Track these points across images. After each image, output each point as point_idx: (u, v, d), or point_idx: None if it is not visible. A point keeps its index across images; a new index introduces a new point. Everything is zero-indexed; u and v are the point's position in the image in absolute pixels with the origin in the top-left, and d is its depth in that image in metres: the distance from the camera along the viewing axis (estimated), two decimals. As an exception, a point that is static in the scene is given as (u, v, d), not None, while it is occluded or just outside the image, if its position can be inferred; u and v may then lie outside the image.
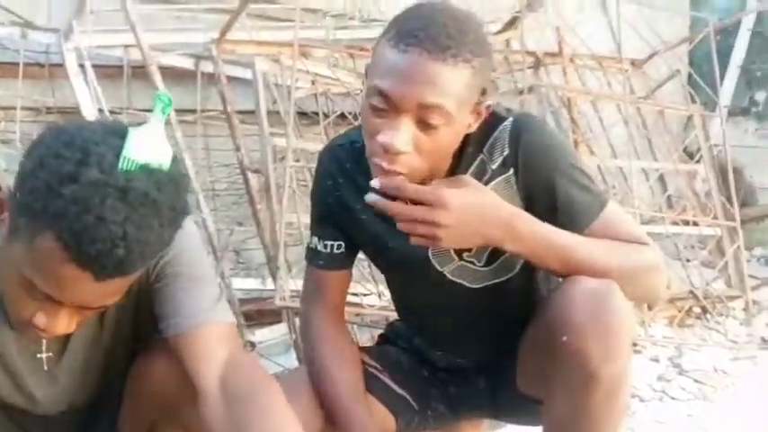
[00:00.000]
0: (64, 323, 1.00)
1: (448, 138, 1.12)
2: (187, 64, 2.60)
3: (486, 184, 1.20)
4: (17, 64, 2.42)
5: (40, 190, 0.92)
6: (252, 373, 1.05)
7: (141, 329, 1.19)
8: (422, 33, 1.06)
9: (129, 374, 1.18)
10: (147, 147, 0.95)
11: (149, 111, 2.60)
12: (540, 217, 1.16)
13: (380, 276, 2.38)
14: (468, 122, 1.14)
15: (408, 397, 1.40)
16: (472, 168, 1.22)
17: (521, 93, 2.75)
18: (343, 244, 1.35)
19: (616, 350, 1.09)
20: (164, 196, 0.95)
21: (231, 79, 2.56)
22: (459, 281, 1.28)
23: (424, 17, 1.10)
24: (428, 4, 1.16)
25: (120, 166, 0.92)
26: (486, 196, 1.13)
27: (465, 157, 1.22)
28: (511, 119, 1.20)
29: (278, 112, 2.47)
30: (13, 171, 1.04)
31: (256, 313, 2.44)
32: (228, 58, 2.46)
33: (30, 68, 2.50)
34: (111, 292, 0.99)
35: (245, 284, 2.61)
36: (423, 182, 1.19)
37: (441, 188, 1.09)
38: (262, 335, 2.31)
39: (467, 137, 1.19)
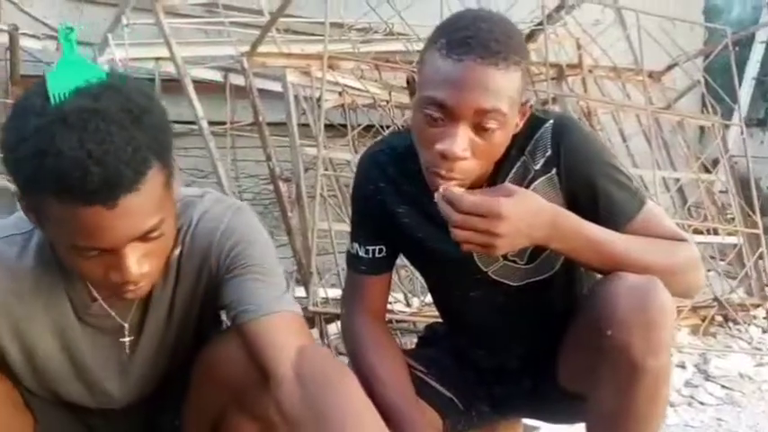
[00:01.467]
0: (134, 266, 1.01)
1: (501, 140, 1.15)
2: (217, 77, 2.65)
3: (530, 184, 1.23)
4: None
5: (14, 170, 0.97)
6: (325, 360, 1.06)
7: (204, 322, 1.22)
8: (473, 41, 1.10)
9: (194, 365, 1.19)
10: (66, 74, 0.97)
11: (180, 122, 2.65)
12: (581, 215, 1.19)
13: (407, 283, 2.45)
14: (515, 123, 1.18)
15: (454, 398, 1.42)
16: (515, 169, 1.25)
17: (544, 103, 2.79)
18: (384, 248, 1.37)
19: (659, 344, 1.12)
20: (106, 103, 0.95)
21: (260, 92, 2.61)
22: (502, 280, 1.31)
23: (470, 25, 1.13)
24: (469, 12, 1.20)
25: (51, 103, 0.95)
26: (533, 201, 1.15)
27: (508, 159, 1.25)
28: (551, 120, 1.24)
29: (305, 125, 2.52)
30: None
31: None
32: (258, 70, 2.51)
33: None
34: (140, 213, 0.98)
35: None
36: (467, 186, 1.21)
37: (495, 199, 1.11)
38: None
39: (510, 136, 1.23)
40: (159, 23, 2.30)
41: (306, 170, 2.38)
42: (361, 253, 1.37)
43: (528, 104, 1.19)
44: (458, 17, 1.18)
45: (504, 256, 1.28)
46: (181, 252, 1.16)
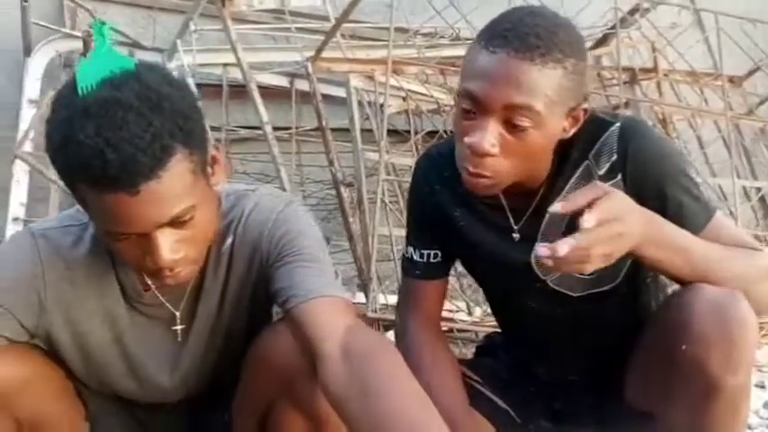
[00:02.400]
0: (166, 250, 1.02)
1: (538, 141, 1.10)
2: (282, 82, 2.67)
3: None
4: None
5: (52, 161, 1.01)
6: (371, 337, 1.04)
7: (256, 316, 1.21)
8: (510, 34, 1.06)
9: (246, 358, 1.19)
10: (95, 67, 0.99)
11: (246, 128, 2.68)
12: None
13: (470, 292, 2.41)
14: (562, 127, 1.13)
15: (511, 411, 1.38)
16: (577, 174, 1.20)
17: (615, 108, 2.70)
18: (439, 253, 1.34)
19: (738, 360, 1.05)
20: (125, 92, 0.97)
21: (324, 97, 2.62)
22: (560, 289, 1.26)
23: (514, 19, 1.10)
24: (521, 8, 1.17)
25: (79, 95, 0.97)
26: (626, 199, 1.06)
27: (569, 163, 1.20)
28: (618, 124, 1.18)
29: (369, 130, 2.51)
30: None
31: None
32: (323, 76, 2.51)
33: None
34: (165, 199, 0.99)
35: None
36: (515, 186, 1.17)
37: (608, 200, 1.02)
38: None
39: (570, 142, 1.18)
40: (226, 29, 2.33)
41: (368, 175, 2.36)
42: (416, 257, 1.34)
43: (581, 108, 1.13)
44: (509, 12, 1.14)
45: None
46: (232, 242, 1.18)
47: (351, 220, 2.31)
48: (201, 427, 1.31)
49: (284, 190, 2.34)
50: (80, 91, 0.97)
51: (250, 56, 2.54)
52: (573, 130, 1.15)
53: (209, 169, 1.08)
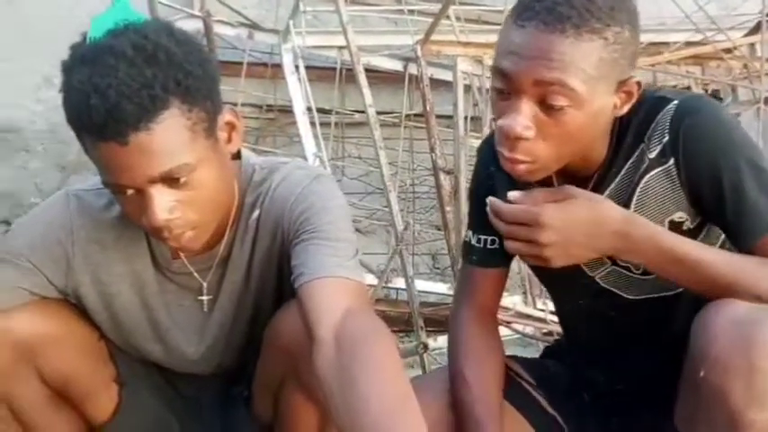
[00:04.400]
0: (160, 209, 1.01)
1: (578, 121, 0.98)
2: (395, 66, 2.63)
3: (642, 176, 1.06)
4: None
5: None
6: (366, 322, 1.00)
7: (284, 291, 1.19)
8: (539, 5, 0.96)
9: (264, 335, 1.19)
10: (104, 19, 1.00)
11: (360, 112, 2.66)
12: (707, 218, 1.01)
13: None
14: (611, 103, 1.00)
15: (559, 418, 1.27)
16: (632, 159, 1.08)
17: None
18: (497, 239, 1.25)
19: (764, 392, 0.90)
20: (120, 41, 0.96)
21: (438, 83, 2.56)
22: (613, 289, 1.14)
23: None
24: None
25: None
26: (592, 208, 1.01)
27: (624, 147, 1.08)
28: (676, 101, 1.03)
29: (480, 118, 2.41)
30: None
31: (446, 319, 2.40)
32: (433, 60, 2.45)
33: (255, 68, 2.70)
34: (156, 153, 0.98)
35: (435, 288, 2.58)
36: (569, 171, 1.07)
37: (539, 206, 1.02)
38: (444, 341, 2.26)
39: (627, 124, 1.06)
40: (338, 11, 2.32)
41: (472, 164, 2.27)
42: (474, 242, 1.27)
43: (633, 81, 1.00)
44: None
45: (614, 262, 1.11)
46: (259, 215, 1.16)
47: (447, 209, 2.23)
48: (229, 401, 1.30)
49: (382, 174, 2.31)
50: (88, 41, 0.99)
51: (363, 39, 2.53)
52: (627, 107, 1.02)
53: (220, 133, 1.06)
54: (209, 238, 1.12)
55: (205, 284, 1.19)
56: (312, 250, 1.07)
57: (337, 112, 2.66)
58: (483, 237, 1.25)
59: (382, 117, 2.71)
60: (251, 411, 1.26)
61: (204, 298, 1.19)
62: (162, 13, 2.56)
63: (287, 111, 2.60)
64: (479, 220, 1.27)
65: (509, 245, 1.05)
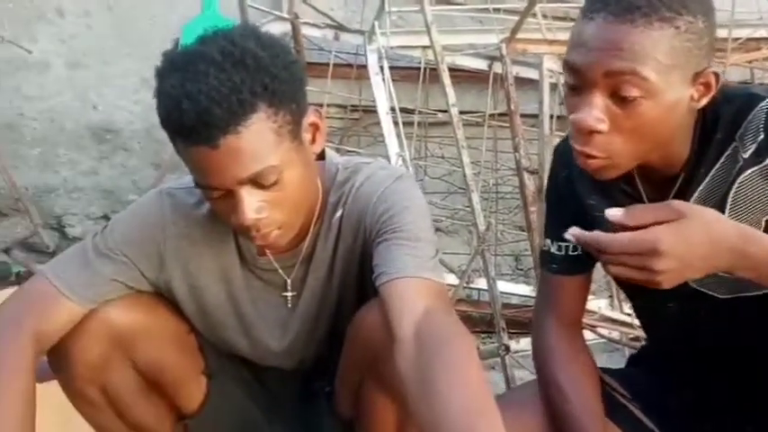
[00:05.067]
0: (248, 209, 1.04)
1: (653, 113, 0.96)
2: (480, 65, 2.62)
3: (737, 177, 1.02)
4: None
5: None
6: (446, 323, 1.00)
7: (367, 290, 1.21)
8: None
9: (347, 332, 1.20)
10: (195, 25, 1.01)
11: (443, 111, 2.66)
12: None
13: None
14: (688, 95, 0.97)
15: (657, 430, 1.23)
16: (723, 158, 1.04)
17: None
18: (579, 246, 1.23)
19: None
20: (210, 47, 1.00)
21: (524, 81, 2.53)
22: (705, 290, 1.10)
23: None
24: None
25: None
26: (708, 227, 0.92)
27: (712, 145, 1.04)
28: None
29: (566, 117, 2.37)
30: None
31: (529, 321, 2.37)
32: (519, 58, 2.42)
33: (341, 69, 2.74)
34: (244, 155, 1.01)
35: (518, 289, 2.55)
36: (652, 171, 1.04)
37: (654, 234, 0.91)
38: (527, 343, 2.24)
39: (713, 120, 1.03)
40: (423, 11, 2.33)
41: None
42: (554, 250, 1.24)
43: (710, 72, 0.97)
44: None
45: None
46: (342, 214, 1.18)
47: (531, 209, 2.21)
48: (312, 396, 1.33)
49: (465, 175, 2.30)
50: (179, 48, 1.03)
51: (448, 38, 2.52)
52: (705, 100, 0.99)
53: (304, 135, 1.08)
54: (295, 234, 1.15)
55: (289, 281, 1.22)
56: (393, 250, 1.08)
57: (420, 112, 2.67)
58: (563, 244, 1.22)
59: (466, 116, 2.70)
60: (333, 407, 1.28)
61: (288, 294, 1.23)
62: (251, 15, 2.64)
63: (371, 111, 2.62)
64: (558, 226, 1.23)
65: (615, 271, 0.94)
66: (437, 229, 2.89)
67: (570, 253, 1.23)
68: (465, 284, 2.49)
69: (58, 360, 1.18)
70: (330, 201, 1.19)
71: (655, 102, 0.95)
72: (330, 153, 1.24)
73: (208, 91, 0.98)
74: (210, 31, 1.03)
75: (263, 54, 1.02)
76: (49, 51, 2.84)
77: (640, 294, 1.25)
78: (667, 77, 0.94)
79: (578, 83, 0.98)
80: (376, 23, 2.45)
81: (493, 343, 2.24)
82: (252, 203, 1.04)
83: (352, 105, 2.79)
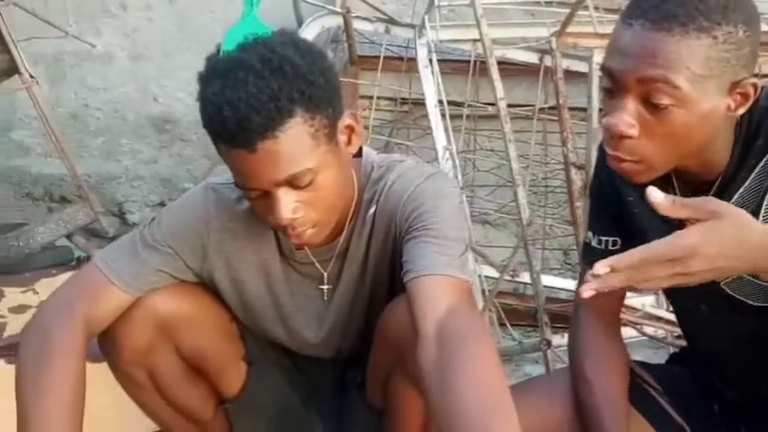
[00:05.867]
0: (285, 209, 1.09)
1: (685, 121, 0.96)
2: (531, 58, 2.60)
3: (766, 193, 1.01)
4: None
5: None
6: (467, 322, 1.02)
7: (397, 284, 1.24)
8: (646, 3, 0.94)
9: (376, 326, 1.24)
10: (236, 32, 1.04)
11: (492, 104, 2.66)
12: None
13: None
14: (724, 105, 0.97)
15: (687, 428, 1.24)
16: (761, 165, 1.03)
17: None
18: (618, 240, 1.23)
19: None
20: (250, 55, 1.04)
21: (575, 75, 2.51)
22: (738, 296, 1.09)
23: None
24: None
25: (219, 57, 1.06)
26: (740, 227, 0.91)
27: (752, 152, 1.03)
28: None
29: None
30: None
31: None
32: (569, 51, 2.40)
33: (393, 61, 2.76)
34: (281, 159, 1.05)
35: (565, 284, 2.55)
36: (689, 175, 1.04)
37: (689, 237, 0.89)
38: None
39: (755, 127, 1.02)
40: (473, 4, 2.33)
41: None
42: (594, 243, 1.26)
43: (749, 83, 0.96)
44: None
45: None
46: (375, 211, 1.22)
47: (577, 204, 2.20)
48: (345, 386, 1.38)
49: (511, 169, 2.31)
50: (221, 54, 1.07)
51: (498, 31, 2.52)
52: (742, 109, 0.99)
53: (340, 137, 1.12)
54: (330, 231, 1.20)
55: (326, 274, 1.26)
56: (421, 247, 1.11)
57: (469, 105, 2.68)
58: (604, 238, 1.23)
59: (516, 110, 2.70)
60: (364, 397, 1.33)
61: (324, 287, 1.27)
62: (304, 9, 2.69)
63: (421, 103, 2.64)
64: (600, 220, 1.25)
65: (647, 286, 0.93)
66: (485, 222, 2.90)
67: (610, 248, 1.24)
68: (510, 278, 2.50)
69: (106, 344, 1.25)
70: (365, 197, 1.23)
71: (687, 110, 0.95)
72: (367, 151, 1.28)
73: (247, 98, 1.02)
74: (251, 39, 1.08)
75: (301, 61, 1.05)
76: (112, 44, 2.96)
77: (675, 296, 1.25)
78: (701, 87, 0.94)
79: (613, 87, 0.99)
80: (426, 17, 2.46)
81: (537, 337, 2.24)
82: (288, 204, 1.08)
83: (402, 98, 2.81)
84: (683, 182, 1.09)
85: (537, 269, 2.24)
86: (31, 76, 2.17)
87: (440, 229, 1.13)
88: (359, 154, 1.27)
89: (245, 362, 1.37)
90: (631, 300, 2.15)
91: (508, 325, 2.32)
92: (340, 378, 1.38)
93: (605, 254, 1.22)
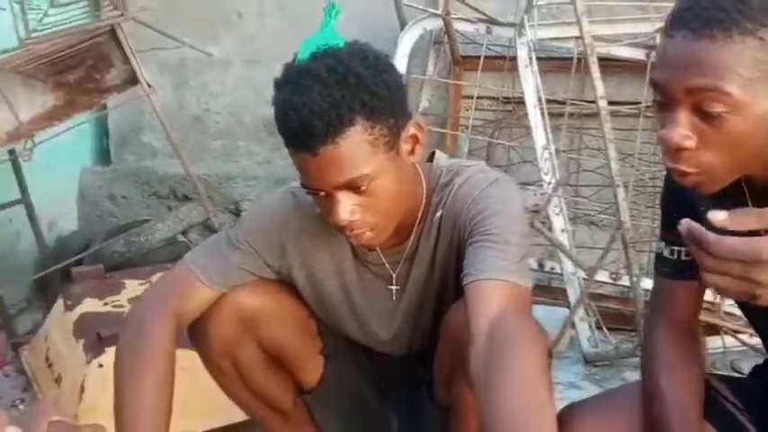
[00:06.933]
0: (343, 211, 1.14)
1: (741, 127, 0.92)
2: (637, 55, 2.53)
3: None
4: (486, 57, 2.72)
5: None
6: (517, 326, 1.03)
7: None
8: (688, 13, 0.91)
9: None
10: (312, 42, 1.11)
11: (589, 102, 2.62)
12: None
13: None
14: None
15: None
16: None
17: None
18: None
19: None
20: (319, 65, 1.10)
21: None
22: None
23: None
24: None
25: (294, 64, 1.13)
26: None
27: None
28: None
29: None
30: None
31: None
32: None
33: (496, 61, 2.76)
34: (341, 164, 1.10)
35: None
36: (756, 183, 1.02)
37: (759, 240, 0.84)
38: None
39: None
40: (573, 2, 2.30)
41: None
42: (666, 253, 1.23)
43: None
44: None
45: None
46: (442, 215, 1.26)
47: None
48: (414, 382, 1.42)
49: (611, 169, 2.26)
50: (296, 62, 1.14)
51: (603, 28, 2.47)
52: None
53: (402, 145, 1.16)
54: (400, 233, 1.25)
55: (395, 275, 1.31)
56: (480, 252, 1.13)
57: (572, 103, 2.63)
58: (675, 248, 1.20)
59: (624, 108, 2.63)
60: (431, 394, 1.36)
61: (393, 288, 1.32)
62: (407, 13, 2.74)
63: (521, 102, 2.63)
64: (671, 230, 1.22)
65: (712, 280, 0.89)
66: (591, 223, 2.85)
67: (683, 258, 1.20)
68: (612, 281, 2.44)
69: (195, 336, 1.36)
70: (433, 201, 1.27)
71: (742, 116, 0.93)
72: (438, 156, 1.32)
73: (311, 105, 1.08)
74: (323, 49, 1.14)
75: (365, 72, 1.11)
76: (230, 51, 3.13)
77: (755, 317, 1.20)
78: (753, 90, 0.91)
79: (664, 100, 0.97)
80: (525, 17, 2.45)
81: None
82: (346, 206, 1.14)
83: (505, 97, 2.81)
84: (754, 190, 1.05)
85: (636, 272, 2.19)
86: (149, 85, 2.33)
87: (500, 234, 1.14)
88: (430, 158, 1.30)
89: (322, 356, 1.44)
90: (730, 307, 2.05)
91: (604, 329, 2.28)
92: (412, 375, 1.43)
93: (678, 264, 1.20)
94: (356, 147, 1.10)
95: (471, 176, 1.24)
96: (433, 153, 1.33)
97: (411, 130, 1.18)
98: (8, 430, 0.65)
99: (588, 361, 2.29)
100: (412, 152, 1.19)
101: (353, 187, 1.13)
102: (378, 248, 1.29)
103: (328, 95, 1.08)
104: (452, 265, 1.27)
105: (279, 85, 1.15)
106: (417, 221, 1.27)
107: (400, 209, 1.21)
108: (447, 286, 1.29)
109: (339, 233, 1.30)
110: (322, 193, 1.16)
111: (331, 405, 1.45)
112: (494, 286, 1.08)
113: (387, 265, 1.31)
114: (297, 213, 1.32)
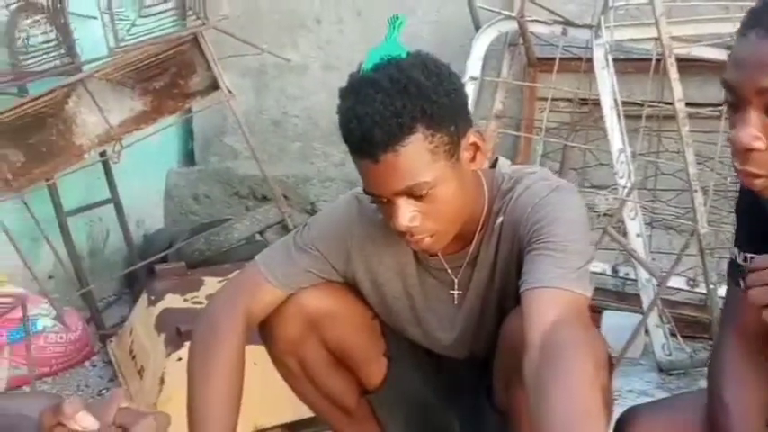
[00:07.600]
0: (402, 217, 1.17)
1: None
2: (719, 55, 2.46)
3: None
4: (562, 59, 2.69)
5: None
6: (570, 335, 1.03)
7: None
8: (761, 11, 0.90)
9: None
10: (376, 52, 1.14)
11: (668, 104, 2.56)
12: None
13: None
14: None
15: None
16: None
17: None
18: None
19: None
20: (382, 75, 1.12)
21: None
22: None
23: None
24: None
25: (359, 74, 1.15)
26: None
27: None
28: None
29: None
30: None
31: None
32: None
33: (571, 63, 2.73)
34: (401, 171, 1.13)
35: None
36: None
37: None
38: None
39: None
40: (652, 2, 2.26)
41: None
42: (740, 260, 1.20)
43: None
44: None
45: None
46: (502, 221, 1.27)
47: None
48: (474, 386, 1.43)
49: (688, 173, 2.20)
50: (360, 71, 1.18)
51: (680, 29, 2.41)
52: None
53: (463, 153, 1.18)
54: (462, 239, 1.27)
55: (456, 280, 1.33)
56: (539, 260, 1.14)
57: (650, 105, 2.58)
58: (750, 255, 1.18)
59: (705, 110, 2.55)
60: (491, 399, 1.37)
61: (455, 292, 1.34)
62: (482, 15, 2.74)
63: (597, 103, 2.59)
64: (745, 235, 1.19)
65: (755, 296, 0.91)
66: (669, 228, 2.78)
67: None
68: (690, 288, 2.38)
69: (264, 334, 1.42)
70: (494, 208, 1.28)
71: None
72: (501, 162, 1.33)
73: (372, 114, 1.11)
74: (385, 60, 1.17)
75: (427, 82, 1.13)
76: (307, 56, 3.21)
77: None
78: None
79: (735, 101, 0.96)
80: (602, 18, 2.42)
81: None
82: (406, 212, 1.17)
83: (581, 99, 2.77)
84: None
85: (714, 279, 2.13)
86: (230, 91, 2.42)
87: (559, 242, 1.15)
88: (493, 165, 1.32)
89: (385, 357, 1.47)
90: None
91: (679, 336, 2.22)
92: (474, 379, 1.44)
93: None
94: (416, 154, 1.13)
95: (532, 184, 1.25)
96: (497, 159, 1.34)
97: (472, 138, 1.19)
98: (79, 415, 0.71)
99: (662, 369, 2.24)
100: (473, 160, 1.21)
101: (413, 194, 1.16)
102: (440, 254, 1.31)
103: (390, 104, 1.11)
104: (513, 273, 1.27)
105: (343, 94, 1.19)
106: (479, 228, 1.28)
107: (460, 216, 1.23)
108: (508, 293, 1.30)
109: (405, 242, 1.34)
110: (383, 200, 1.19)
111: (394, 405, 1.48)
112: (549, 294, 1.09)
113: (449, 270, 1.33)
114: (361, 219, 1.36)
